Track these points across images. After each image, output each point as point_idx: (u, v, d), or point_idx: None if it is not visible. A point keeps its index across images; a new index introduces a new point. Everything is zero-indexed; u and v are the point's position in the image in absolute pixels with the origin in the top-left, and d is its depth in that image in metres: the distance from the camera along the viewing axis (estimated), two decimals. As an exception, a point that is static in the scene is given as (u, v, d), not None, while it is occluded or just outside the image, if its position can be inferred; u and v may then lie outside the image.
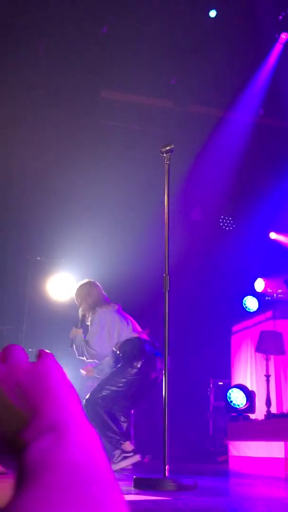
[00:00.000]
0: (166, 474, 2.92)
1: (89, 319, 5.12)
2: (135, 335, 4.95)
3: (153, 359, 4.90)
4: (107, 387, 4.92)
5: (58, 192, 7.85)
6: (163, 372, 3.24)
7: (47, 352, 0.55)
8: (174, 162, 3.68)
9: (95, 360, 5.17)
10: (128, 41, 7.59)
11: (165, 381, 3.09)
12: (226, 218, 9.39)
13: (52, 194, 7.81)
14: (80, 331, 5.15)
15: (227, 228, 9.36)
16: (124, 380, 4.90)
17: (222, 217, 9.35)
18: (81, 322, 5.19)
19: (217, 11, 7.43)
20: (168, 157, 3.63)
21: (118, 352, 5.09)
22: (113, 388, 4.90)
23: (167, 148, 3.73)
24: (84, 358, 5.12)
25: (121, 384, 4.90)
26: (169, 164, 3.40)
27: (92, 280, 5.38)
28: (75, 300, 5.27)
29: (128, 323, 5.01)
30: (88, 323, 5.14)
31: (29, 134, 7.85)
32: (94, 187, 7.98)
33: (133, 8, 7.27)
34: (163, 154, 3.74)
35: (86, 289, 5.22)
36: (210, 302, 8.37)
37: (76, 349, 5.12)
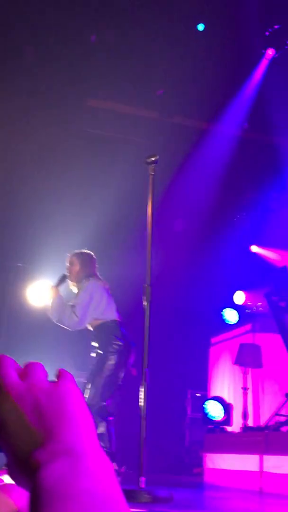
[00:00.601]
0: (142, 486, 2.90)
1: (78, 286, 4.94)
2: (117, 319, 4.86)
3: (130, 345, 4.76)
4: (98, 380, 4.58)
5: (40, 198, 7.82)
6: (142, 381, 3.23)
7: (67, 372, 0.55)
8: (158, 173, 3.69)
9: (69, 328, 4.86)
10: (116, 51, 7.61)
11: (143, 391, 3.08)
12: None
13: (34, 200, 7.78)
14: (59, 292, 4.93)
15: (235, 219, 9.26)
16: (111, 363, 4.62)
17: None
18: (60, 282, 4.96)
19: (205, 25, 7.49)
20: (153, 168, 3.64)
21: (93, 329, 4.87)
22: (103, 376, 4.59)
23: (152, 159, 3.74)
24: (60, 324, 4.84)
25: (111, 367, 4.60)
26: (153, 175, 3.40)
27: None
28: (68, 261, 5.04)
29: (113, 305, 4.89)
30: (74, 289, 4.98)
31: (11, 140, 7.82)
32: (77, 195, 7.97)
33: (122, 18, 7.30)
34: (147, 164, 3.74)
35: (88, 258, 5.07)
36: (190, 314, 8.37)
37: (53, 312, 4.86)
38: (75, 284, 4.99)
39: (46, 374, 0.53)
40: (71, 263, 5.03)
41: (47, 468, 0.44)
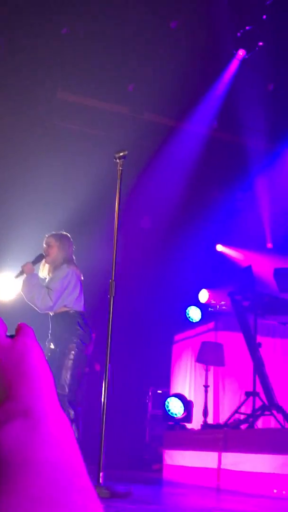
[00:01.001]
0: (100, 481, 2.90)
1: (54, 269, 4.78)
2: (83, 310, 4.74)
3: (91, 335, 4.71)
4: (64, 372, 4.36)
5: (5, 192, 7.74)
6: (104, 376, 3.23)
7: (27, 328, 0.50)
8: (126, 169, 3.68)
9: (40, 310, 4.67)
10: (88, 44, 7.57)
11: (104, 387, 3.07)
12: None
13: (1, 194, 7.70)
14: (34, 270, 4.75)
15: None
16: (75, 352, 4.45)
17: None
18: (37, 261, 4.76)
19: (177, 22, 7.51)
20: (121, 163, 3.63)
21: (53, 315, 4.72)
22: (70, 367, 4.39)
23: (121, 154, 3.73)
24: (30, 303, 4.65)
25: (77, 357, 4.44)
26: (121, 170, 3.40)
27: None
28: (46, 242, 4.84)
29: (83, 297, 4.77)
30: (44, 271, 4.83)
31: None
32: (44, 189, 7.91)
33: (95, 12, 7.26)
34: (116, 159, 3.73)
35: (66, 241, 4.89)
36: (153, 310, 8.39)
37: (26, 290, 4.66)
38: (49, 266, 4.83)
39: (4, 329, 0.49)
40: (48, 244, 4.86)
41: (3, 429, 0.40)
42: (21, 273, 4.71)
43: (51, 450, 0.39)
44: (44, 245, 4.85)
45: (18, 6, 7.05)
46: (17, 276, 4.75)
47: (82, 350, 4.48)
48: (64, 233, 4.94)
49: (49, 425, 0.41)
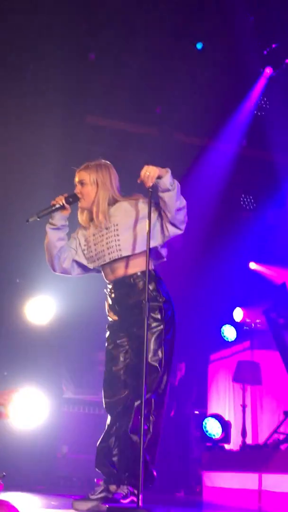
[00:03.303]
0: (140, 504, 2.88)
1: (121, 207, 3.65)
2: None
3: None
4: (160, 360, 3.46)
5: (43, 208, 7.81)
6: (140, 397, 3.20)
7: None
8: (156, 190, 3.68)
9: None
10: (115, 69, 7.68)
11: (141, 410, 3.06)
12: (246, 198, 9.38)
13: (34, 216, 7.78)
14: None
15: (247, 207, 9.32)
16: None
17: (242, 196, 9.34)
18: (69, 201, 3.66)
19: (203, 44, 7.57)
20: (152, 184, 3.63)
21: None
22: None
23: (151, 175, 3.72)
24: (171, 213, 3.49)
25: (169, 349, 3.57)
26: (151, 192, 3.41)
27: None
28: (89, 174, 3.70)
29: None
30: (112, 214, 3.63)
31: (12, 157, 7.84)
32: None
33: (121, 37, 7.36)
34: (146, 181, 3.72)
35: (115, 173, 3.80)
36: (188, 330, 8.36)
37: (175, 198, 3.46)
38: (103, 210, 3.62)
39: None
40: (93, 175, 3.69)
41: None
42: (74, 197, 3.69)
43: None
44: (86, 178, 3.72)
45: (47, 33, 7.19)
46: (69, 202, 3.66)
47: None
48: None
49: None
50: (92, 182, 3.67)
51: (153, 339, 3.45)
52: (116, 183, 3.74)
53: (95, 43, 7.55)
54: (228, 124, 8.45)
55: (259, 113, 8.46)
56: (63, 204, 3.63)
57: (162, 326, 3.49)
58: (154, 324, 3.47)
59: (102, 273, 3.73)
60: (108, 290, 3.68)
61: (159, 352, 3.45)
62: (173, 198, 3.45)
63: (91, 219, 3.72)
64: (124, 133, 8.38)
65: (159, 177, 3.41)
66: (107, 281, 3.69)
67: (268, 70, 7.77)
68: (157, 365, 3.43)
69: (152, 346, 3.44)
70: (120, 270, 3.60)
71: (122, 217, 3.59)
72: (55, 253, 3.69)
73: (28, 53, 7.43)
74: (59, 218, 3.67)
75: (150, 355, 3.41)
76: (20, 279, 7.73)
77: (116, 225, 3.57)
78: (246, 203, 9.38)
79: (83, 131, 8.17)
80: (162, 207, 3.51)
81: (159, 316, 3.50)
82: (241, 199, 9.24)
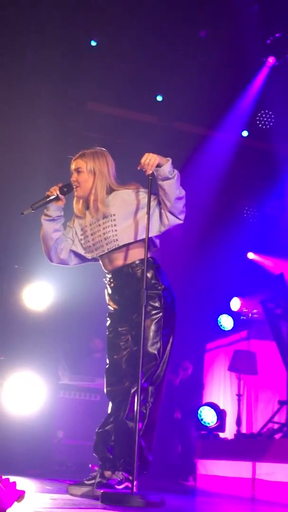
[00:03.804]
0: (134, 490, 2.90)
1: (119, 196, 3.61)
2: None
3: None
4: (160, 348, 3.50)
5: (38, 199, 7.80)
6: (135, 384, 3.22)
7: None
8: (155, 178, 3.67)
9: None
10: (117, 55, 7.63)
11: (137, 397, 3.08)
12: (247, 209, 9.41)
13: (31, 202, 7.76)
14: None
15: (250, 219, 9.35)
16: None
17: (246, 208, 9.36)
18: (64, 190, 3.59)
19: (206, 31, 7.52)
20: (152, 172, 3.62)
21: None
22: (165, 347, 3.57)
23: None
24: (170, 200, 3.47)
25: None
26: (151, 179, 3.40)
27: None
28: (85, 162, 3.64)
29: None
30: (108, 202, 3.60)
31: (10, 142, 7.81)
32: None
33: (123, 23, 7.32)
34: (146, 169, 3.71)
35: (111, 160, 3.75)
36: (185, 319, 8.37)
37: (175, 187, 3.45)
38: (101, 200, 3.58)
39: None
40: (91, 163, 3.64)
41: None
42: (69, 187, 3.64)
43: None
44: (82, 166, 3.66)
45: (48, 18, 7.14)
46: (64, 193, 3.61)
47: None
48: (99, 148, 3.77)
49: None
50: (89, 171, 3.63)
51: (152, 326, 3.46)
52: (113, 171, 3.71)
53: (95, 29, 7.50)
54: (230, 114, 8.41)
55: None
56: (57, 195, 3.60)
57: (161, 314, 3.50)
58: (153, 312, 3.48)
59: (100, 263, 3.73)
60: (107, 279, 3.68)
61: (158, 340, 3.46)
62: (173, 186, 3.45)
63: (87, 208, 3.69)
64: (124, 120, 8.35)
65: (159, 166, 3.41)
66: (106, 271, 3.69)
67: (271, 60, 7.73)
68: (155, 353, 3.44)
69: (151, 334, 3.45)
70: (119, 260, 3.60)
71: (119, 207, 3.58)
72: (51, 244, 3.67)
73: (27, 39, 7.39)
74: (54, 209, 3.65)
75: (149, 342, 3.43)
76: (19, 265, 7.72)
77: (114, 215, 3.56)
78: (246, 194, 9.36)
79: (83, 118, 8.14)
80: (162, 196, 3.50)
81: (158, 304, 3.50)
82: (241, 189, 9.21)
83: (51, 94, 7.77)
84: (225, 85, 8.00)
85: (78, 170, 3.65)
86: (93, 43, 7.60)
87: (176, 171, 3.47)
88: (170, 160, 3.46)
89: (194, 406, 7.08)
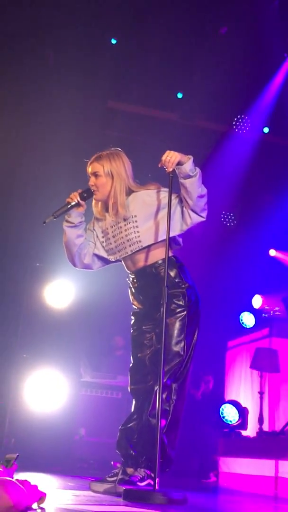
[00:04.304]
0: (156, 487, 2.90)
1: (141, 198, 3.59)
2: None
3: None
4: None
5: (60, 198, 7.84)
6: (158, 382, 3.22)
7: None
8: (177, 176, 3.66)
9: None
10: (137, 53, 7.63)
11: (159, 394, 3.07)
12: (229, 215, 9.39)
13: (54, 200, 7.80)
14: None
15: (228, 224, 9.35)
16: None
17: (223, 212, 9.34)
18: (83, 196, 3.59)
19: (227, 28, 7.48)
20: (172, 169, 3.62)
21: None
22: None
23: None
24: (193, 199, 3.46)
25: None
26: (172, 177, 3.40)
27: None
28: (102, 165, 3.62)
29: None
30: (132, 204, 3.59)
31: (33, 141, 7.85)
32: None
33: (143, 21, 7.31)
34: (167, 166, 3.71)
35: (128, 160, 3.72)
36: (207, 316, 8.34)
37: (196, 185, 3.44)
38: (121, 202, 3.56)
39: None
40: (107, 166, 3.61)
41: None
42: (88, 192, 3.64)
43: None
44: (99, 170, 3.65)
45: (69, 19, 7.16)
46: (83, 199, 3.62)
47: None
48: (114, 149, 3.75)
49: None
50: (107, 174, 3.61)
51: (176, 324, 3.46)
52: (130, 171, 3.70)
53: (116, 27, 7.50)
54: (251, 110, 8.36)
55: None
56: (78, 201, 3.60)
57: (185, 312, 3.50)
58: (177, 310, 3.48)
59: (123, 263, 3.74)
60: (131, 280, 3.69)
61: (182, 338, 3.46)
62: (195, 184, 3.44)
63: (106, 210, 3.68)
64: (144, 118, 8.34)
65: (180, 163, 3.40)
66: (129, 272, 3.70)
67: (292, 56, 7.67)
68: (179, 351, 3.44)
69: (175, 332, 3.45)
70: (142, 261, 3.60)
71: (140, 208, 3.57)
72: (75, 250, 3.68)
73: (50, 39, 7.42)
74: (75, 216, 3.65)
75: (173, 340, 3.43)
76: (40, 263, 7.76)
77: (135, 216, 3.56)
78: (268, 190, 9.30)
79: (103, 116, 8.14)
80: (183, 194, 3.49)
81: (182, 302, 3.50)
82: (262, 186, 9.15)
83: (72, 94, 7.79)
84: (246, 81, 7.96)
85: (95, 174, 3.64)
86: (113, 41, 7.62)
87: (197, 169, 3.46)
88: (192, 158, 3.45)
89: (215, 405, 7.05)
